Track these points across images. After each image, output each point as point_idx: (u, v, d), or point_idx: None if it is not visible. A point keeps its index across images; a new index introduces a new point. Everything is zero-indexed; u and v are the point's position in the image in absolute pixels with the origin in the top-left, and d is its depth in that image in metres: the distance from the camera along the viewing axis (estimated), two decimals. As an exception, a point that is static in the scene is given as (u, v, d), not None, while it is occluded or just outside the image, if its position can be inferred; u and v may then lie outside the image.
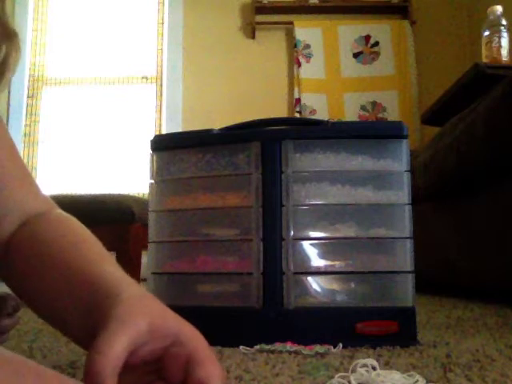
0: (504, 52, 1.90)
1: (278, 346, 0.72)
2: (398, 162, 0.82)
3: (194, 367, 0.34)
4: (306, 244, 0.80)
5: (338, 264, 0.81)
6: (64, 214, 0.57)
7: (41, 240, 0.50)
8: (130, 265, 1.53)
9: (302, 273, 0.80)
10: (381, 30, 3.33)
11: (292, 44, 3.37)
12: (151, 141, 0.89)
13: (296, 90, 3.27)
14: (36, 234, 0.51)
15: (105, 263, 0.45)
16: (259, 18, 3.35)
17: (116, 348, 0.31)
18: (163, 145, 0.89)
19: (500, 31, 1.91)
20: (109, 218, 1.50)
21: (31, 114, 3.53)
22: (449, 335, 0.86)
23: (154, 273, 0.86)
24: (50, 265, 0.47)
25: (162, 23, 3.58)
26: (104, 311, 0.36)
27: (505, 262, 1.33)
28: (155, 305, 0.38)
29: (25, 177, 0.56)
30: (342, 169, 0.82)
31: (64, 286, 0.44)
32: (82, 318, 0.40)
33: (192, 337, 0.36)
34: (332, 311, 0.79)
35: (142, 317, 0.35)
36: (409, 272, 0.79)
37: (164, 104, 3.44)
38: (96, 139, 3.50)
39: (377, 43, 3.32)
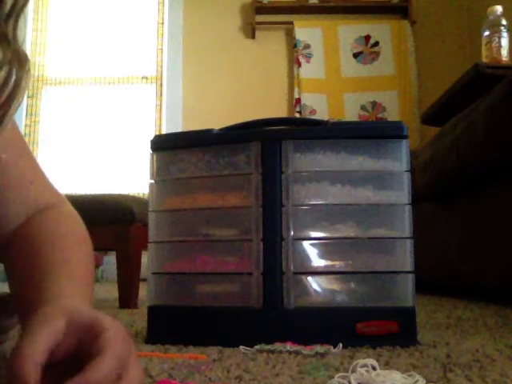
0: (504, 52, 1.90)
1: (278, 345, 0.72)
2: (398, 162, 0.82)
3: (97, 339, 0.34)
4: (306, 244, 0.80)
5: (338, 264, 0.81)
6: (66, 211, 0.58)
7: (29, 235, 0.52)
8: (130, 265, 1.53)
9: (302, 273, 0.80)
10: (381, 30, 3.33)
11: (292, 44, 3.37)
12: (151, 141, 0.89)
13: (296, 90, 3.27)
14: (29, 230, 0.53)
15: (58, 271, 0.47)
16: (259, 17, 3.35)
17: (36, 348, 0.33)
18: (163, 145, 0.89)
19: (500, 31, 1.91)
20: (109, 218, 1.50)
21: (31, 114, 3.53)
22: (449, 335, 0.86)
23: (154, 273, 0.86)
24: (24, 260, 0.49)
25: (162, 23, 3.58)
26: (28, 317, 0.39)
27: (505, 262, 1.33)
28: (73, 305, 0.40)
29: (32, 173, 0.57)
30: (341, 169, 0.82)
31: (23, 284, 0.48)
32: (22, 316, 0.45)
33: (108, 325, 0.36)
34: (332, 311, 0.79)
35: (58, 315, 0.36)
36: (409, 272, 0.79)
37: (164, 104, 3.44)
38: (96, 139, 3.50)
39: (377, 43, 3.32)
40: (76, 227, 0.56)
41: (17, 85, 0.41)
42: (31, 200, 0.55)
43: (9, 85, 0.40)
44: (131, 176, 3.40)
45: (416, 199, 0.82)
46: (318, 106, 3.24)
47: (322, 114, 3.18)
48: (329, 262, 0.81)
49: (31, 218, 0.54)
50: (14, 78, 0.41)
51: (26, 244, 0.51)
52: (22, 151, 0.57)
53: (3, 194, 0.53)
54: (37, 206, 0.55)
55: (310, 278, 0.80)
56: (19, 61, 0.41)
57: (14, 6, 0.40)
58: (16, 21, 0.42)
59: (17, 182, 0.54)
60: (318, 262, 0.81)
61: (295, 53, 3.32)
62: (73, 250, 0.51)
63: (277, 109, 3.28)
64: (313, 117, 3.15)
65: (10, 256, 0.52)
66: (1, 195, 0.53)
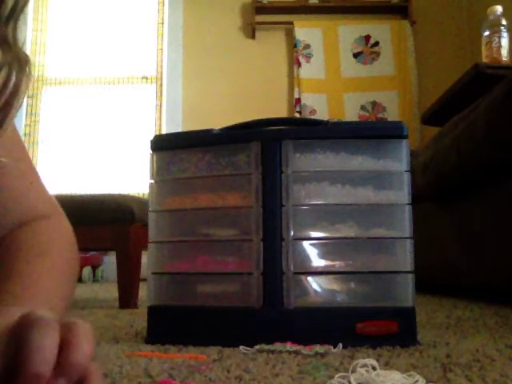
0: (504, 52, 1.90)
1: (277, 345, 0.72)
2: (398, 162, 0.82)
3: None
4: (306, 244, 0.80)
5: (338, 264, 0.81)
6: (52, 224, 0.57)
7: (11, 246, 0.52)
8: (130, 265, 1.53)
9: (302, 273, 0.80)
10: (381, 30, 3.34)
11: (292, 44, 3.37)
12: (151, 141, 0.89)
13: (296, 90, 3.27)
14: (13, 240, 0.52)
15: (12, 282, 0.46)
16: (259, 17, 3.35)
17: None
18: (163, 145, 0.89)
19: (500, 31, 1.92)
20: (109, 217, 1.50)
21: (31, 114, 3.53)
22: (449, 335, 0.86)
23: (154, 273, 0.86)
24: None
25: (162, 23, 3.58)
26: None
27: (505, 262, 1.33)
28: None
29: (32, 174, 0.57)
30: (342, 169, 0.82)
31: None
32: None
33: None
34: (332, 311, 0.79)
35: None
36: (409, 272, 0.79)
37: (164, 104, 3.44)
38: (96, 139, 3.50)
39: (377, 43, 3.32)
40: (55, 243, 0.55)
41: (16, 88, 0.41)
42: (32, 200, 0.55)
43: (8, 88, 0.40)
44: (131, 176, 3.40)
45: (416, 199, 0.82)
46: (318, 106, 3.24)
47: (322, 114, 3.18)
48: (329, 262, 0.81)
49: (22, 227, 0.54)
50: (13, 80, 0.40)
51: (5, 250, 0.51)
52: (23, 154, 0.57)
53: (3, 193, 0.53)
54: (29, 215, 0.55)
55: (309, 278, 0.80)
56: (19, 63, 0.41)
57: (13, 7, 0.40)
58: (16, 23, 0.41)
59: (16, 183, 0.54)
60: (317, 262, 0.81)
61: (295, 53, 3.33)
62: (33, 263, 0.50)
63: (277, 109, 3.28)
64: (313, 117, 3.15)
65: None
66: (1, 195, 0.53)
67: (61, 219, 0.59)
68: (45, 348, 0.30)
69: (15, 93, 0.41)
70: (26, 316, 0.32)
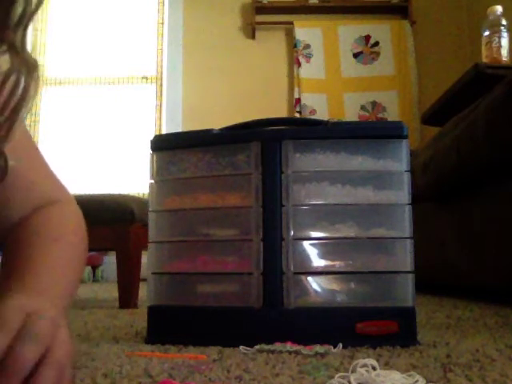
0: (504, 52, 1.90)
1: (278, 345, 0.72)
2: (398, 162, 0.82)
3: None
4: (306, 244, 0.80)
5: (338, 264, 0.81)
6: (64, 210, 0.59)
7: (23, 231, 0.53)
8: (130, 265, 1.53)
9: (302, 273, 0.80)
10: (381, 30, 3.34)
11: (292, 44, 3.37)
12: (151, 141, 0.89)
13: (296, 89, 3.27)
14: (26, 224, 0.54)
15: (20, 272, 0.48)
16: (259, 18, 3.35)
17: None
18: (163, 145, 0.89)
19: (500, 31, 1.92)
20: (109, 218, 1.50)
21: (31, 114, 3.53)
22: (449, 335, 0.86)
23: (154, 273, 0.86)
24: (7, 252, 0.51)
25: (162, 23, 3.58)
26: None
27: (504, 261, 1.33)
28: None
29: (35, 172, 0.59)
30: (342, 169, 0.82)
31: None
32: None
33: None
34: (332, 311, 0.79)
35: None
36: (409, 272, 0.79)
37: (164, 104, 3.44)
38: (96, 139, 3.50)
39: (377, 43, 3.32)
40: (63, 228, 0.57)
41: (25, 93, 0.41)
42: (32, 199, 0.56)
43: (17, 93, 0.40)
44: (131, 176, 3.40)
45: (416, 199, 0.82)
46: (318, 106, 3.24)
47: (322, 114, 3.18)
48: (329, 262, 0.81)
49: (30, 215, 0.55)
50: (22, 86, 0.41)
51: (12, 239, 0.52)
52: (25, 152, 0.57)
53: (3, 193, 0.54)
54: (38, 203, 0.56)
55: (310, 278, 0.80)
56: (27, 68, 0.41)
57: (23, 14, 0.40)
58: (25, 29, 0.42)
59: (14, 184, 0.55)
60: (318, 262, 0.81)
61: (295, 53, 3.33)
62: (44, 249, 0.51)
63: (277, 109, 3.28)
64: (313, 117, 3.15)
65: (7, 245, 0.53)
66: (1, 195, 0.54)
67: (69, 204, 0.61)
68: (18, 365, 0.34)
69: (24, 98, 0.41)
70: (25, 323, 0.34)
